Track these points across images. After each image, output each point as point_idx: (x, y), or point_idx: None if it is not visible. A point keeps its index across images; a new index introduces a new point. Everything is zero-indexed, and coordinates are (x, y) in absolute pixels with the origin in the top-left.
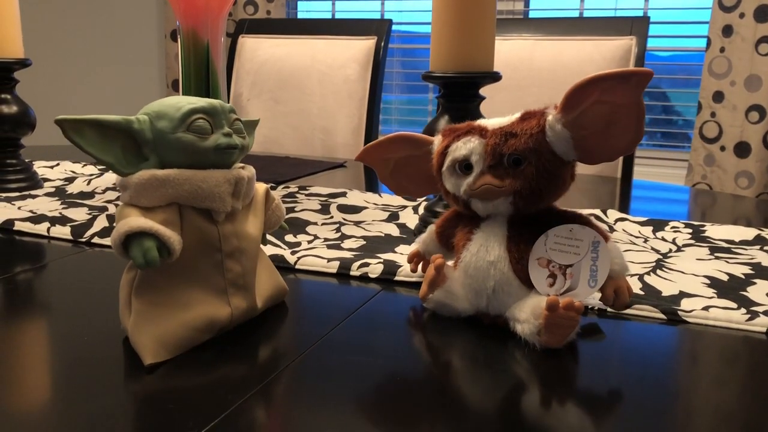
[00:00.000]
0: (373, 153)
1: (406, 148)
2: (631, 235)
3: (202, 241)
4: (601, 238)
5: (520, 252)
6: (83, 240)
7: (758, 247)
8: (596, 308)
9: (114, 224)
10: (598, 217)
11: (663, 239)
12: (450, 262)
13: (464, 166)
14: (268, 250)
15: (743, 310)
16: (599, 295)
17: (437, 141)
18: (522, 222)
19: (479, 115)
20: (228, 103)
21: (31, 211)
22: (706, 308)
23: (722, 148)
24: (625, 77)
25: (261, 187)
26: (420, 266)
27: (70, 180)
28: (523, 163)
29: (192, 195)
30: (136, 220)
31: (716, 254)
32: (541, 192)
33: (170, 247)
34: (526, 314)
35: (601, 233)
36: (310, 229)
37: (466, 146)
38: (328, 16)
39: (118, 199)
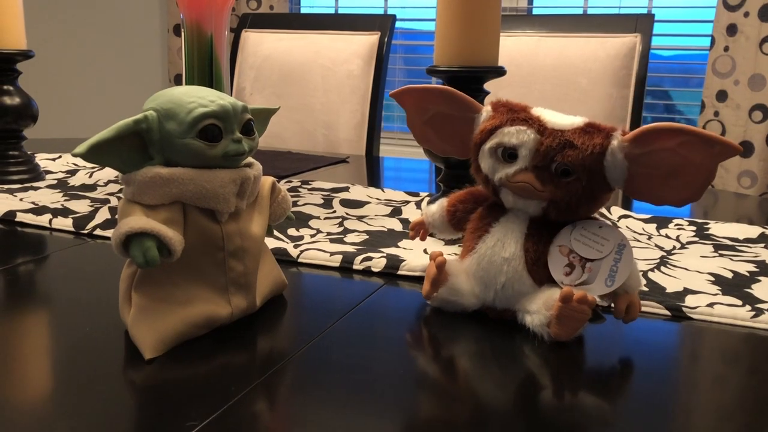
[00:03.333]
0: (413, 96)
1: (450, 105)
2: (635, 232)
3: (205, 240)
4: (627, 242)
5: (537, 252)
6: (85, 232)
7: (763, 245)
8: (601, 305)
9: (116, 217)
10: (601, 214)
11: (667, 236)
12: (457, 254)
13: (509, 154)
14: (271, 243)
15: (748, 307)
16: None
17: (486, 113)
18: (544, 223)
19: None
20: (231, 96)
21: (32, 203)
22: (710, 305)
23: None
24: (711, 142)
25: (266, 181)
26: (420, 235)
27: (72, 172)
28: (571, 176)
29: (196, 195)
30: (137, 220)
31: (720, 252)
32: (577, 208)
33: (171, 248)
34: (537, 305)
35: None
36: (312, 223)
37: (519, 137)
38: (331, 11)
39: (120, 191)
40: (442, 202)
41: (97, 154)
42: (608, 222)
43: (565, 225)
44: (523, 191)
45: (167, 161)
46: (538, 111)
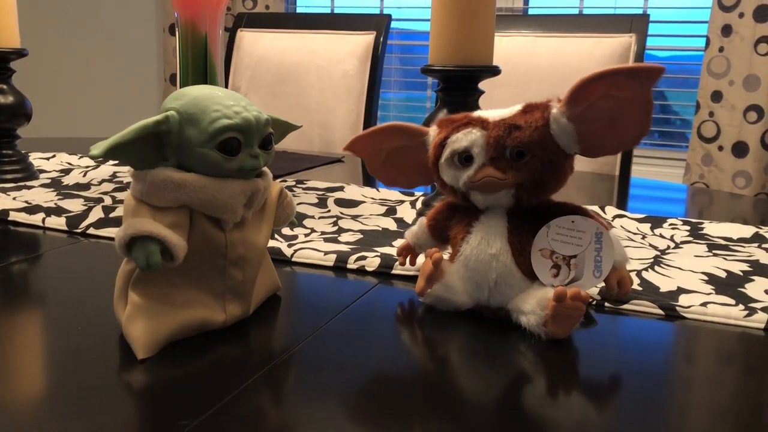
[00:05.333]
0: (363, 143)
1: (399, 139)
2: (629, 231)
3: (208, 246)
4: (603, 228)
5: (522, 244)
6: (78, 231)
7: (756, 244)
8: (594, 302)
9: (121, 216)
10: (596, 214)
11: (661, 236)
12: (446, 256)
13: (464, 158)
14: None
15: (741, 307)
16: (601, 284)
17: (433, 132)
18: (522, 214)
19: (477, 109)
20: (256, 107)
21: (26, 202)
22: (704, 304)
23: (720, 148)
24: (634, 73)
25: (275, 187)
26: (408, 260)
27: (66, 171)
28: (526, 155)
29: (204, 203)
30: (144, 223)
31: (714, 251)
32: (544, 184)
33: (174, 254)
34: (532, 305)
35: (602, 224)
36: (307, 222)
37: (467, 138)
38: (327, 10)
39: (113, 191)
40: (422, 221)
41: (114, 155)
42: (579, 214)
43: (540, 213)
44: (488, 186)
45: (180, 164)
46: (478, 113)
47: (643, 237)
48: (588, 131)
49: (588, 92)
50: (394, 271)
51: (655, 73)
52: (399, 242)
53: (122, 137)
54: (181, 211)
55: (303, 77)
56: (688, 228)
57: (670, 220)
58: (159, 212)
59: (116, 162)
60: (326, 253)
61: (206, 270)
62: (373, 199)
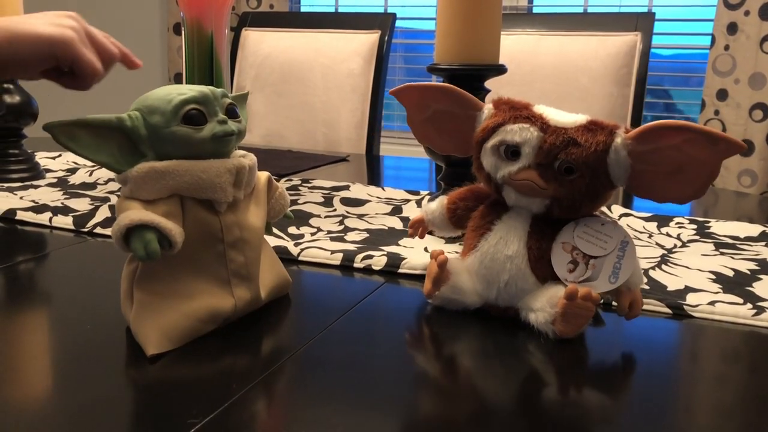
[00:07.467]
0: (414, 93)
1: (450, 103)
2: (636, 230)
3: (204, 232)
4: (630, 239)
5: (540, 250)
6: (85, 230)
7: (763, 243)
8: (602, 301)
9: (115, 216)
10: (602, 213)
11: (668, 235)
12: (458, 253)
13: (511, 152)
14: (272, 241)
15: (749, 306)
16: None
17: (488, 111)
18: (546, 220)
19: None
20: (231, 95)
21: (33, 201)
22: (711, 303)
23: None
24: (715, 139)
25: (263, 175)
26: (419, 233)
27: (73, 171)
28: (574, 173)
29: (193, 186)
30: (136, 213)
31: (721, 250)
32: (580, 205)
33: (171, 240)
34: (542, 303)
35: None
36: (313, 221)
37: (522, 134)
38: (332, 9)
39: (120, 190)
40: (442, 200)
41: (73, 139)
42: (610, 219)
43: (567, 222)
44: (526, 189)
45: (160, 155)
46: (540, 109)
47: (650, 236)
48: (642, 172)
49: (660, 137)
50: (400, 270)
51: (736, 147)
52: (405, 241)
53: (77, 118)
54: (172, 200)
55: (308, 76)
56: (694, 227)
57: (676, 219)
58: (150, 205)
59: None
60: (333, 252)
61: (207, 258)
62: (378, 198)
